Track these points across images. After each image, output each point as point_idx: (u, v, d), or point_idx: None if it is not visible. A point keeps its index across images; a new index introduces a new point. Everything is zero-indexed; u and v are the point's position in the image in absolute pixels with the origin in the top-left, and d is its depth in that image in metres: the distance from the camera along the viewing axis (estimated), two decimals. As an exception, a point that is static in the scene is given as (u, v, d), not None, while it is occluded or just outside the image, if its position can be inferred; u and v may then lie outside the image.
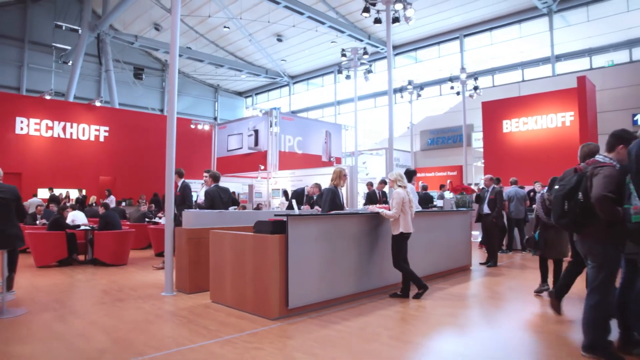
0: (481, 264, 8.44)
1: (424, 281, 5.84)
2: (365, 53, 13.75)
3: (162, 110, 29.01)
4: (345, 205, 6.69)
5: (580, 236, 3.68)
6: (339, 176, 6.26)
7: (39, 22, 25.35)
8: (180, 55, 26.40)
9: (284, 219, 4.81)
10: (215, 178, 6.96)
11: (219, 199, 6.78)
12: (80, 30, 24.16)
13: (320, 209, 6.70)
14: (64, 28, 25.63)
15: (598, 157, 3.61)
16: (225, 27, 25.43)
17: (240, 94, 34.58)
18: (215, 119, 32.06)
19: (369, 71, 14.56)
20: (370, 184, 11.86)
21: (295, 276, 4.80)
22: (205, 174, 7.12)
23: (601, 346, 3.55)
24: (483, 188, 8.98)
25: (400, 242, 5.66)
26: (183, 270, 6.02)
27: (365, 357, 3.68)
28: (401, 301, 5.60)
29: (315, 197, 8.63)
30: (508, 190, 10.29)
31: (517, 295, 6.14)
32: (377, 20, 9.44)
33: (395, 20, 9.30)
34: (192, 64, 28.51)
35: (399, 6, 8.75)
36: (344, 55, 13.48)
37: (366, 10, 9.16)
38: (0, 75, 24.14)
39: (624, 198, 3.31)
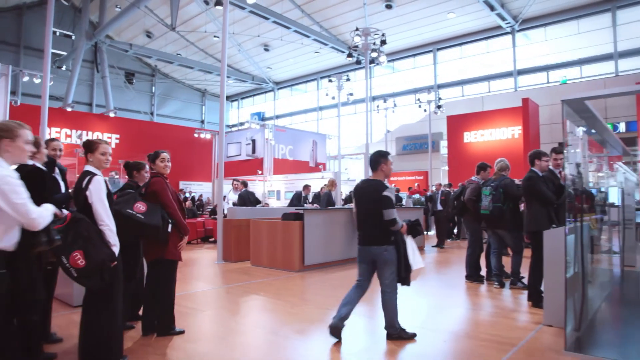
0: (433, 246, 12.26)
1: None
2: (348, 79, 17.42)
3: (152, 114, 32.23)
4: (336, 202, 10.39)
5: (463, 219, 7.47)
6: (332, 184, 9.96)
7: (33, 28, 28.15)
8: (171, 62, 29.82)
9: (302, 212, 8.47)
10: (245, 184, 10.54)
11: (248, 199, 10.37)
12: (73, 36, 27.20)
13: (318, 206, 10.38)
14: (57, 34, 28.52)
15: (472, 178, 7.37)
16: (215, 36, 28.80)
17: (226, 98, 37.95)
18: (202, 122, 35.46)
19: (351, 94, 18.26)
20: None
21: (308, 246, 8.45)
22: (236, 182, 10.70)
23: (474, 275, 7.33)
24: (434, 191, 12.83)
25: (372, 227, 9.36)
26: (230, 246, 9.60)
27: (349, 284, 7.34)
28: (372, 265, 9.31)
29: (310, 198, 12.24)
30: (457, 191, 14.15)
31: (450, 262, 9.96)
32: (358, 62, 13.14)
33: (372, 61, 13.02)
34: (182, 70, 31.78)
35: (374, 54, 12.49)
36: (330, 81, 17.11)
37: (349, 55, 12.88)
38: (-3, 79, 26.96)
39: (480, 201, 7.08)
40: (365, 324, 5.24)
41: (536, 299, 5.58)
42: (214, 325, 5.14)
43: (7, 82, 12.05)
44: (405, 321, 4.51)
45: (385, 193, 4.29)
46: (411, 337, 4.39)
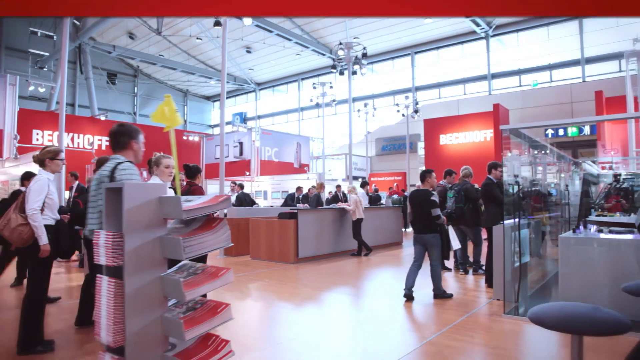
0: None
1: (371, 247, 11.10)
2: (331, 87, 18.93)
3: (134, 114, 33.18)
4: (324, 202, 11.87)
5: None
6: (320, 186, 11.43)
7: (14, 29, 28.77)
8: (153, 64, 30.82)
9: (295, 211, 9.92)
10: (242, 187, 11.92)
11: (245, 200, 11.77)
12: (55, 37, 27.96)
13: (308, 206, 11.84)
14: (39, 34, 29.27)
15: (440, 182, 8.93)
16: (198, 38, 29.94)
17: (208, 98, 39.11)
18: (184, 122, 36.52)
19: (334, 100, 19.77)
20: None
21: (302, 241, 9.91)
22: (233, 184, 12.07)
23: (442, 265, 8.88)
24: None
25: (357, 224, 10.86)
26: (230, 242, 10.97)
27: (337, 272, 8.84)
28: (357, 257, 10.82)
29: (301, 197, 13.69)
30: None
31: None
32: (341, 73, 14.63)
33: (354, 73, 14.53)
34: (164, 71, 32.78)
35: (356, 67, 14.01)
36: (314, 87, 18.57)
37: (333, 67, 14.35)
38: (-21, 80, 27.60)
39: (446, 202, 8.64)
40: (352, 301, 6.74)
41: (492, 281, 7.15)
42: (234, 303, 6.56)
43: (15, 91, 13.17)
44: (390, 297, 6.00)
45: (432, 198, 6.36)
46: (449, 296, 6.46)
